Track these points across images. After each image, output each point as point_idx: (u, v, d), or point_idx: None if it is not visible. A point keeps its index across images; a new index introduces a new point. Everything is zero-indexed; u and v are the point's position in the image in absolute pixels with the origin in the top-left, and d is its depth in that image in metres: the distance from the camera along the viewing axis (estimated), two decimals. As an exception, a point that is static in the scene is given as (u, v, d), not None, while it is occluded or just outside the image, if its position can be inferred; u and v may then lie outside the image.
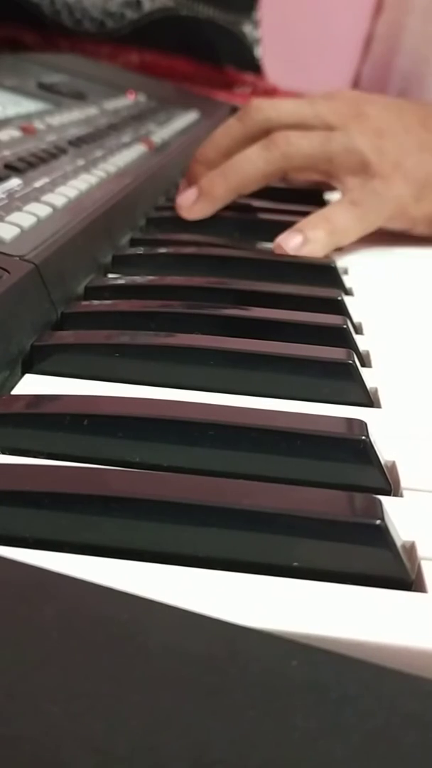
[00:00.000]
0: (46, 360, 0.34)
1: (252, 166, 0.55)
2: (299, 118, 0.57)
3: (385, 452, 0.29)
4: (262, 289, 0.43)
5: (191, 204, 0.56)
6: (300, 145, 0.55)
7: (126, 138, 0.68)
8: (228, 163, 0.56)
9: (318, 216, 0.53)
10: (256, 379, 0.34)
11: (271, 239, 0.57)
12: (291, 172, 0.58)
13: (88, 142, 0.61)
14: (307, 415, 0.30)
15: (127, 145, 0.65)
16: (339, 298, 0.42)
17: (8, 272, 0.34)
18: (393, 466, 0.29)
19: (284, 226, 0.57)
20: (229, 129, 0.58)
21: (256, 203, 0.64)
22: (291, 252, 0.50)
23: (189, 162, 0.60)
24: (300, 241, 0.51)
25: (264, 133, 0.57)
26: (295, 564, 0.23)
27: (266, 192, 0.69)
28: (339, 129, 0.56)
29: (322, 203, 0.68)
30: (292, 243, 0.51)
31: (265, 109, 0.57)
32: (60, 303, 0.38)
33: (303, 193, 0.68)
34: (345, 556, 0.23)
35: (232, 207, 0.63)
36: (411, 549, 0.24)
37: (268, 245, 0.56)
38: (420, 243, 0.59)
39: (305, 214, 0.61)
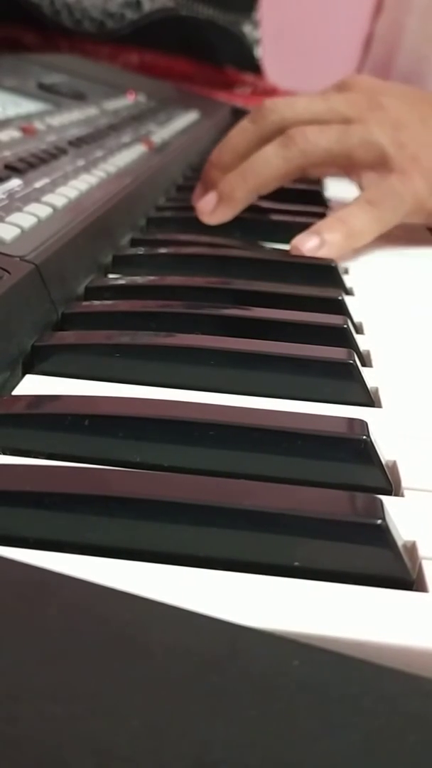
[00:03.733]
0: (47, 360, 0.34)
1: (270, 165, 0.54)
2: (314, 114, 0.56)
3: (385, 452, 0.29)
4: (262, 289, 0.43)
5: (212, 209, 0.55)
6: (318, 141, 0.54)
7: (126, 138, 0.68)
8: (245, 164, 0.55)
9: (335, 218, 0.53)
10: (257, 379, 0.34)
11: (272, 239, 0.57)
12: (309, 169, 0.57)
13: (88, 142, 0.61)
14: (307, 414, 0.30)
15: (127, 146, 0.65)
16: (339, 298, 0.42)
17: (9, 273, 0.34)
18: (394, 466, 0.29)
19: (285, 226, 0.58)
20: (244, 131, 0.57)
21: (257, 203, 0.64)
22: (307, 254, 0.50)
23: (204, 166, 0.59)
24: (316, 243, 0.50)
25: (279, 133, 0.55)
26: (296, 564, 0.23)
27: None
28: (356, 122, 0.55)
29: (322, 202, 0.68)
30: (308, 245, 0.50)
31: (279, 109, 0.56)
32: (60, 303, 0.38)
33: (303, 193, 0.68)
34: (346, 556, 0.23)
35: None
36: (412, 549, 0.24)
37: (268, 245, 0.56)
38: (420, 243, 0.59)
39: (306, 213, 0.61)
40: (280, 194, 0.62)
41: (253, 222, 0.59)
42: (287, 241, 0.52)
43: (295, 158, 0.54)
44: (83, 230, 0.43)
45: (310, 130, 0.54)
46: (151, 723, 0.15)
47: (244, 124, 0.58)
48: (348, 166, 0.57)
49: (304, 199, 0.67)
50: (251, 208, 0.59)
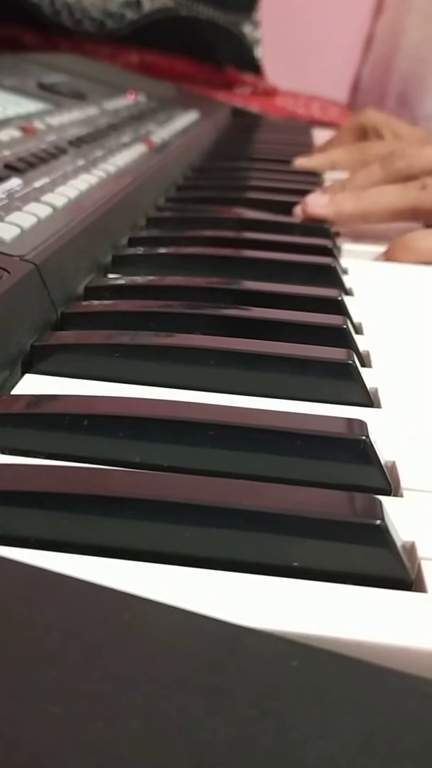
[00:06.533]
0: (46, 360, 0.34)
1: (386, 196, 0.58)
2: None
3: (385, 452, 0.29)
4: (262, 289, 0.43)
5: (316, 207, 0.59)
6: None
7: (126, 138, 0.68)
8: (365, 191, 0.59)
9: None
10: (256, 379, 0.34)
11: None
12: (423, 216, 0.59)
13: (88, 142, 0.61)
14: (307, 415, 0.30)
15: (127, 145, 0.65)
16: (339, 298, 0.42)
17: (8, 272, 0.34)
18: (393, 466, 0.29)
19: (284, 226, 0.58)
20: (371, 174, 0.61)
21: (256, 203, 0.64)
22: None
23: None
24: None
25: (404, 179, 0.59)
26: (295, 564, 0.23)
27: (266, 191, 0.69)
28: None
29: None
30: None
31: (408, 157, 0.60)
32: (60, 303, 0.38)
33: (303, 193, 0.68)
34: (345, 556, 0.23)
35: (232, 206, 0.63)
36: (411, 549, 0.24)
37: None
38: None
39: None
40: (280, 193, 0.61)
41: (253, 222, 0.59)
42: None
43: (411, 199, 0.57)
44: (83, 230, 0.43)
45: None
46: (150, 723, 0.15)
47: (372, 167, 0.62)
48: None
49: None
50: (250, 208, 0.59)
